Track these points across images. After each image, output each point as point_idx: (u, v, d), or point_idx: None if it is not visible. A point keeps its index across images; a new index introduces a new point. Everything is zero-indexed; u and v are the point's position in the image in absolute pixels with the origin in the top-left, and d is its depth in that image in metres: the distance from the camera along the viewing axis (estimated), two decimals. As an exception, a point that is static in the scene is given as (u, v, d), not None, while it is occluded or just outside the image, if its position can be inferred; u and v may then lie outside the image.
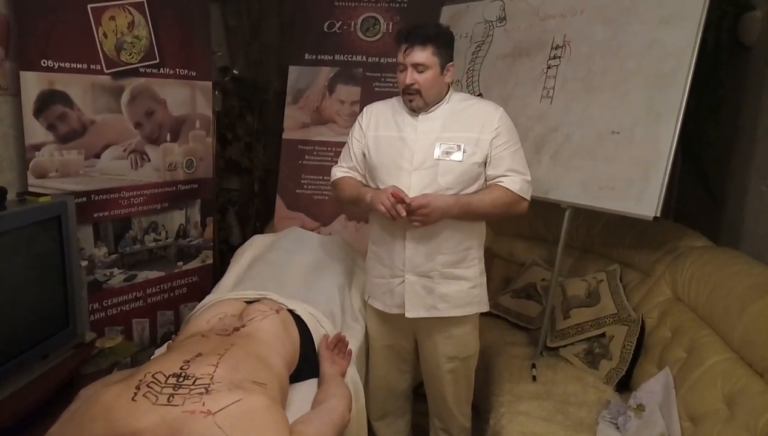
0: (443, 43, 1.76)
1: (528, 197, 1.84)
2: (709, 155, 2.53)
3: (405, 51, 1.74)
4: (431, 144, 1.79)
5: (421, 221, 1.72)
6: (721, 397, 1.66)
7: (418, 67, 1.74)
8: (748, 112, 2.35)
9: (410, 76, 1.74)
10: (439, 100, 1.83)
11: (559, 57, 2.31)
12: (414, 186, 1.77)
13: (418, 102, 1.79)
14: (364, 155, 1.91)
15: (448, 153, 1.77)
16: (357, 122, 1.98)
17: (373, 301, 1.99)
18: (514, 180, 1.80)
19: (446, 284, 1.86)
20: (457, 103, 1.85)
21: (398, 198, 1.70)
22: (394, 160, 1.82)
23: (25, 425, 1.81)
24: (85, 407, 1.22)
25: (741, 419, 1.54)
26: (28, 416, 1.82)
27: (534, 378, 2.19)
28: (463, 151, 1.77)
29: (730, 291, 1.83)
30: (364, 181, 1.95)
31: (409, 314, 1.87)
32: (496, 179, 1.81)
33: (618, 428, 1.86)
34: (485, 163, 1.80)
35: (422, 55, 1.72)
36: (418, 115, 1.83)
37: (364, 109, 1.98)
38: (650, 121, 2.00)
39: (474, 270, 1.90)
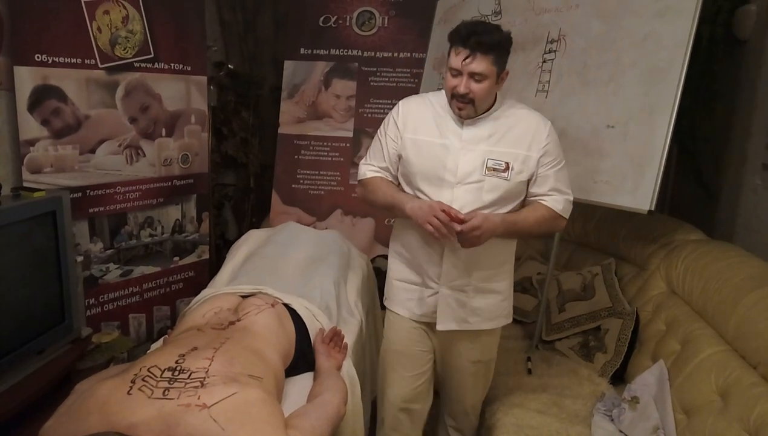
0: (505, 51, 1.61)
1: (567, 217, 1.75)
2: (704, 149, 2.54)
3: (465, 58, 1.56)
4: (477, 157, 1.65)
5: (471, 244, 1.60)
6: (715, 389, 1.67)
7: (476, 76, 1.57)
8: (742, 106, 2.36)
9: (465, 85, 1.58)
10: (488, 108, 1.68)
11: (555, 51, 2.31)
12: (456, 201, 1.64)
13: (469, 111, 1.64)
14: (400, 158, 1.75)
15: (495, 169, 1.65)
16: (392, 119, 1.78)
17: (396, 306, 1.87)
18: (557, 200, 1.70)
19: (480, 298, 1.77)
20: (504, 111, 1.70)
21: (451, 217, 1.56)
22: (436, 171, 1.68)
23: (21, 420, 1.80)
24: (81, 400, 1.23)
25: (734, 410, 1.55)
26: (24, 411, 1.82)
27: (529, 371, 2.20)
28: (511, 169, 1.65)
29: (724, 284, 1.84)
30: (395, 182, 1.81)
31: (440, 327, 1.78)
32: (539, 197, 1.71)
33: (612, 420, 1.87)
34: (529, 181, 1.70)
35: (483, 64, 1.56)
36: (463, 123, 1.68)
37: (400, 104, 1.79)
38: (645, 116, 2.00)
39: (506, 283, 1.83)
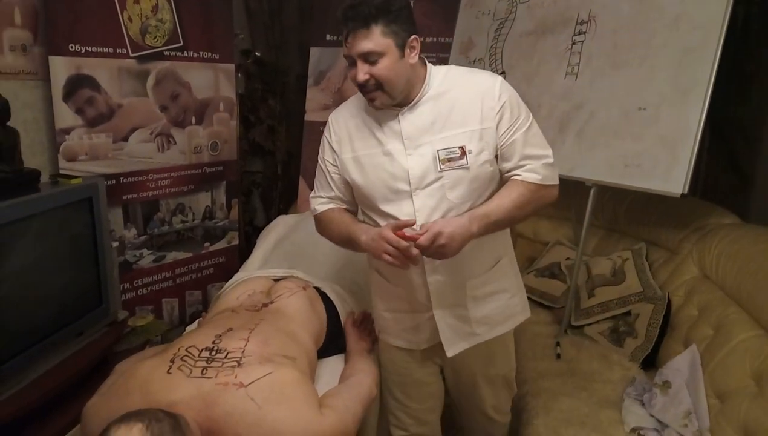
0: (393, 16, 1.32)
1: (555, 182, 1.47)
2: (738, 132, 2.49)
3: (348, 40, 1.33)
4: (425, 153, 1.40)
5: (441, 257, 1.35)
6: (749, 373, 1.65)
7: (369, 57, 1.32)
8: (779, 87, 2.30)
9: (362, 70, 1.33)
10: (411, 87, 1.41)
11: (584, 33, 2.28)
12: (420, 210, 1.40)
13: (381, 99, 1.38)
14: (347, 182, 1.52)
15: (450, 160, 1.39)
16: (325, 141, 1.55)
17: (391, 338, 1.65)
18: (533, 168, 1.42)
19: (482, 306, 1.55)
20: (441, 85, 1.44)
21: (403, 236, 1.32)
22: (388, 185, 1.43)
23: (63, 400, 1.87)
24: (122, 380, 1.27)
25: (769, 395, 1.53)
26: (65, 390, 1.88)
27: (558, 356, 2.19)
28: (468, 153, 1.39)
29: (759, 268, 1.81)
30: (351, 209, 1.58)
31: (450, 353, 1.55)
32: (512, 173, 1.44)
33: (643, 404, 1.86)
34: (497, 157, 1.44)
35: (370, 41, 1.30)
36: (398, 117, 1.42)
37: (329, 120, 1.55)
38: (677, 98, 1.96)
39: (510, 278, 1.61)
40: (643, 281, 2.27)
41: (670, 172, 1.94)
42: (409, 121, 1.42)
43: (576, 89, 2.27)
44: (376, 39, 1.30)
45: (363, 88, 1.37)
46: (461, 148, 1.39)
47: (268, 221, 3.06)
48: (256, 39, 3.60)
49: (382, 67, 1.32)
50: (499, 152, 1.43)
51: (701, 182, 2.71)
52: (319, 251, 2.12)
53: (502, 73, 2.60)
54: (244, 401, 1.16)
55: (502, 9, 2.68)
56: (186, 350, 1.29)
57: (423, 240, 1.29)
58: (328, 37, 3.31)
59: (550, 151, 1.47)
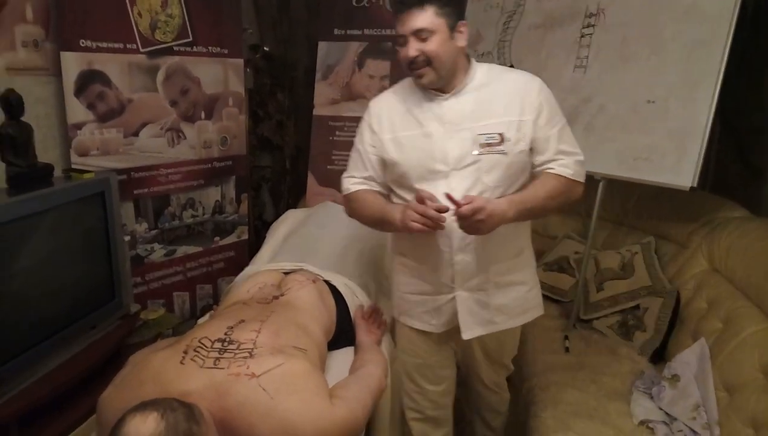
0: (448, 0, 1.44)
1: (583, 179, 1.55)
2: (748, 125, 2.47)
3: (401, 17, 1.44)
4: (465, 137, 1.49)
5: (474, 231, 1.41)
6: (758, 367, 1.65)
7: (421, 34, 1.42)
8: (790, 79, 2.28)
9: (413, 47, 1.43)
10: (454, 72, 1.51)
11: (593, 25, 2.27)
12: (455, 190, 1.44)
13: (430, 76, 1.46)
14: (384, 162, 1.60)
15: (489, 145, 1.47)
16: (366, 124, 1.63)
17: (410, 320, 1.70)
18: (566, 163, 1.51)
19: (502, 294, 1.60)
20: (484, 78, 1.53)
21: (450, 198, 1.38)
22: (425, 164, 1.51)
23: (77, 391, 1.90)
24: (136, 371, 1.29)
25: (778, 388, 1.53)
26: (79, 382, 1.92)
27: (567, 349, 2.20)
28: (507, 140, 1.47)
29: (769, 261, 1.81)
30: (383, 191, 1.65)
31: (466, 336, 1.62)
32: (545, 166, 1.52)
33: (652, 397, 1.87)
34: (531, 150, 1.52)
35: (423, 17, 1.41)
36: (441, 102, 1.52)
37: (370, 106, 1.64)
38: (687, 90, 1.96)
39: (528, 271, 1.68)
40: (652, 274, 2.27)
41: (680, 166, 1.94)
42: (451, 106, 1.51)
43: (585, 82, 2.27)
44: (429, 17, 1.41)
45: (412, 64, 1.46)
46: (500, 135, 1.47)
47: (277, 215, 3.08)
48: (265, 34, 3.61)
49: (433, 44, 1.42)
50: (533, 146, 1.51)
51: (711, 175, 2.70)
52: (328, 245, 2.14)
53: (511, 66, 2.59)
54: (256, 391, 1.18)
55: (510, 2, 2.67)
56: (199, 341, 1.31)
57: (465, 209, 1.34)
58: (336, 31, 3.32)
59: (580, 151, 1.55)
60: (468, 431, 2.15)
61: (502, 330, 1.65)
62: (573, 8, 2.36)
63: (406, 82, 1.61)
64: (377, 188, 1.64)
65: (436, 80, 1.48)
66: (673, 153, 1.96)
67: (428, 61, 1.44)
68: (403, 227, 1.45)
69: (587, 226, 2.36)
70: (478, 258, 1.55)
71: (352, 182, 1.65)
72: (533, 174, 1.56)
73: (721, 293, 1.98)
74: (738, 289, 1.94)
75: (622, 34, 2.17)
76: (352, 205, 1.66)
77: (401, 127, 1.56)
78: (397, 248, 1.70)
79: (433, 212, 1.37)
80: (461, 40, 1.48)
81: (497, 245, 1.55)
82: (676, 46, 2.00)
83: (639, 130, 2.08)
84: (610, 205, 2.69)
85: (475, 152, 1.48)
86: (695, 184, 1.90)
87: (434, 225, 1.39)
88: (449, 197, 1.37)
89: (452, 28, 1.44)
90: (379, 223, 1.58)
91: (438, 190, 1.46)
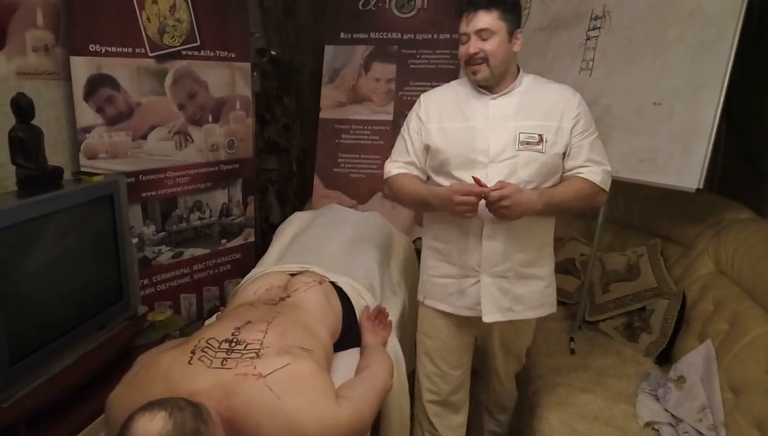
0: (510, 6, 1.59)
1: (607, 189, 1.69)
2: (754, 127, 2.47)
3: (468, 17, 1.59)
4: (508, 133, 1.62)
5: (501, 216, 1.56)
6: (764, 368, 1.65)
7: (483, 34, 1.57)
8: (796, 80, 2.28)
9: (474, 45, 1.58)
10: (505, 74, 1.65)
11: (599, 28, 2.28)
12: (491, 181, 1.57)
13: (484, 73, 1.60)
14: (428, 149, 1.73)
15: (529, 143, 1.61)
16: (414, 114, 1.78)
17: (435, 302, 1.82)
18: (595, 171, 1.65)
19: (522, 285, 1.72)
20: (529, 85, 1.69)
21: (478, 182, 1.55)
22: (467, 154, 1.64)
23: (85, 392, 1.92)
24: (144, 371, 1.30)
25: (784, 389, 1.53)
26: (88, 383, 1.93)
27: (572, 351, 2.20)
28: (545, 142, 1.61)
29: (775, 263, 1.80)
30: (422, 177, 1.79)
31: (486, 319, 1.72)
32: (575, 171, 1.66)
33: (658, 399, 1.87)
34: (564, 154, 1.66)
35: (487, 19, 1.56)
36: (488, 100, 1.66)
37: (421, 98, 1.79)
38: (692, 92, 1.96)
39: (548, 268, 1.78)
40: (658, 276, 2.27)
41: (685, 168, 1.94)
42: (497, 105, 1.66)
43: (590, 85, 2.27)
44: (493, 19, 1.57)
45: (471, 60, 1.61)
46: (540, 135, 1.62)
47: (284, 217, 3.09)
48: (271, 38, 3.64)
49: (492, 44, 1.58)
50: (567, 151, 1.65)
51: (717, 177, 2.70)
52: (334, 246, 2.15)
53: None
54: (263, 391, 1.19)
55: (515, 5, 2.68)
56: (206, 341, 1.32)
57: (495, 194, 1.51)
58: (342, 35, 3.34)
59: (608, 163, 1.70)
60: (476, 424, 2.20)
61: (518, 320, 1.76)
62: (578, 11, 2.37)
63: (457, 82, 1.78)
64: (417, 173, 1.78)
65: (489, 77, 1.62)
66: (678, 155, 1.97)
67: (485, 58, 1.59)
68: (444, 208, 1.61)
69: (593, 228, 2.36)
70: (505, 246, 1.67)
71: (395, 166, 1.80)
72: (563, 178, 1.69)
73: (727, 294, 1.98)
74: (744, 291, 1.94)
75: (628, 36, 2.17)
76: (392, 188, 1.81)
77: (448, 118, 1.70)
78: (429, 232, 1.83)
79: (477, 191, 1.52)
80: (516, 46, 1.63)
81: (523, 236, 1.67)
82: (682, 48, 2.00)
83: (644, 132, 2.08)
84: (615, 207, 2.70)
85: (516, 148, 1.62)
86: (701, 186, 1.90)
87: (472, 209, 1.54)
88: (476, 180, 1.54)
89: (510, 33, 1.60)
90: (421, 202, 1.73)
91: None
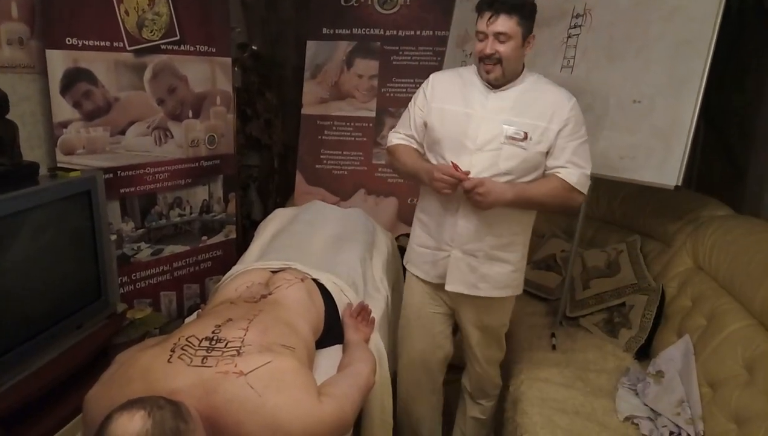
0: (528, 13, 1.68)
1: (585, 191, 1.77)
2: (733, 124, 2.51)
3: (489, 19, 1.65)
4: (497, 126, 1.72)
5: (475, 203, 1.69)
6: (741, 362, 1.68)
7: (501, 37, 1.65)
8: (772, 79, 2.32)
9: (491, 46, 1.66)
10: (515, 76, 1.75)
11: (580, 26, 2.29)
12: (474, 167, 1.71)
13: (497, 73, 1.70)
14: (426, 126, 1.85)
15: (513, 138, 1.71)
16: (422, 90, 1.89)
17: (413, 268, 1.99)
18: (572, 172, 1.73)
19: (489, 265, 1.83)
20: (530, 84, 1.77)
21: (455, 167, 1.68)
22: (458, 138, 1.76)
23: (63, 391, 1.89)
24: (123, 369, 1.28)
25: (761, 383, 1.56)
26: (65, 381, 1.90)
27: (554, 347, 2.22)
28: (529, 139, 1.71)
29: (751, 258, 1.83)
30: (420, 150, 1.90)
31: (449, 288, 1.87)
32: (554, 170, 1.75)
33: (637, 394, 1.89)
34: (548, 153, 1.75)
35: (507, 24, 1.64)
36: (489, 92, 1.76)
37: (431, 76, 1.90)
38: (672, 90, 1.98)
39: (518, 254, 1.87)
40: (638, 272, 2.30)
41: (665, 165, 1.96)
42: (496, 98, 1.76)
43: (571, 82, 2.28)
44: (512, 25, 1.64)
45: (486, 59, 1.70)
46: (525, 133, 1.71)
47: (265, 214, 3.07)
48: (253, 32, 3.60)
49: (508, 48, 1.66)
50: (550, 151, 1.74)
51: (695, 174, 2.74)
52: (316, 243, 2.14)
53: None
54: (244, 389, 1.18)
55: (498, 2, 2.68)
56: (186, 339, 1.30)
57: (468, 183, 1.65)
58: (324, 30, 3.31)
59: (589, 167, 1.78)
60: (460, 412, 2.24)
61: (482, 298, 1.87)
62: (561, 8, 2.38)
63: (467, 69, 1.87)
64: (415, 146, 1.91)
65: (500, 78, 1.72)
66: (658, 152, 1.99)
67: (500, 60, 1.68)
68: (428, 182, 1.74)
69: (574, 224, 2.38)
70: (477, 228, 1.79)
71: (396, 137, 1.94)
72: (545, 175, 1.77)
73: (705, 290, 2.01)
74: (721, 286, 1.97)
75: (609, 34, 2.19)
76: (392, 156, 1.95)
77: (450, 101, 1.80)
78: (420, 204, 1.97)
79: (454, 174, 1.66)
80: (528, 50, 1.73)
81: (498, 223, 1.78)
82: (662, 46, 2.02)
83: (625, 129, 2.10)
84: (596, 204, 2.72)
85: (501, 141, 1.71)
86: (680, 183, 1.92)
87: (449, 187, 1.67)
88: (454, 165, 1.68)
89: (525, 38, 1.69)
90: (412, 175, 1.86)
91: (461, 162, 1.71)
